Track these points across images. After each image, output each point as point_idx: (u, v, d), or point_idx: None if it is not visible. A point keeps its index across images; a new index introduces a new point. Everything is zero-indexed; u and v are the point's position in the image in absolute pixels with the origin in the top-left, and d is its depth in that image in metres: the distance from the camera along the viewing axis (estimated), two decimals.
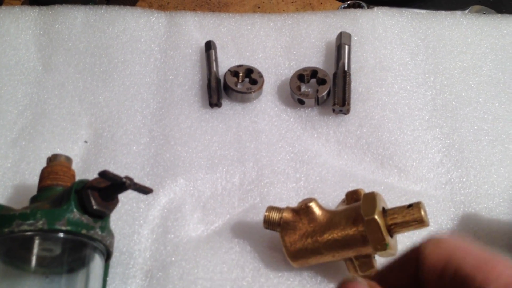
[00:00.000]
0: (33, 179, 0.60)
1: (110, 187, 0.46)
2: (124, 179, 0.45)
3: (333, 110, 0.66)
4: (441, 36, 0.74)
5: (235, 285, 0.53)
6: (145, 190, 0.47)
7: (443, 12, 0.77)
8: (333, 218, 0.52)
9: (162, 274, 0.54)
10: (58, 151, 0.62)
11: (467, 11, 0.81)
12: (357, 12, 0.76)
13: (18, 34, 0.72)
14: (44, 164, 0.54)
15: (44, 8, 0.74)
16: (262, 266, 0.55)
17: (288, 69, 0.71)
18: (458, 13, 0.77)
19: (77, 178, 0.55)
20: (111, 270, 0.54)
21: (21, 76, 0.69)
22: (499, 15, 0.78)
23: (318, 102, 0.67)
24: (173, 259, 0.55)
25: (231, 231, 0.58)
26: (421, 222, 0.48)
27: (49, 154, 0.56)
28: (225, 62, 0.71)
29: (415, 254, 0.31)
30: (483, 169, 0.62)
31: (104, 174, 0.44)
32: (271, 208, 0.54)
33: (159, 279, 0.54)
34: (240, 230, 0.58)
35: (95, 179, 0.47)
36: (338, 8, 0.82)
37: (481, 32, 0.74)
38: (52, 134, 0.64)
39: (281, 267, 0.55)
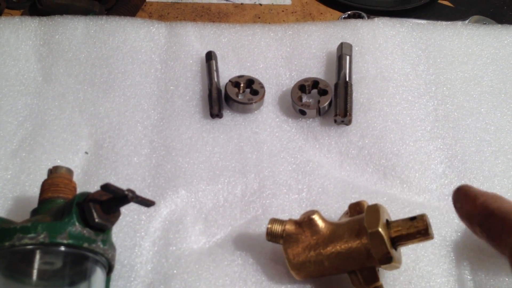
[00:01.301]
0: (33, 191, 0.59)
1: (112, 200, 0.46)
2: (126, 192, 0.44)
3: (335, 121, 0.66)
4: (442, 46, 0.74)
5: None
6: (147, 203, 0.47)
7: (444, 23, 0.77)
8: (336, 231, 0.51)
9: (164, 287, 0.53)
10: (58, 162, 0.62)
11: (467, 21, 0.81)
12: (358, 22, 0.76)
13: (18, 45, 0.71)
14: (44, 176, 0.54)
15: (44, 18, 0.74)
16: (265, 279, 0.54)
17: (289, 80, 0.71)
18: (458, 23, 0.77)
19: (78, 189, 0.54)
20: (112, 283, 0.53)
21: (21, 87, 0.68)
22: (499, 25, 0.78)
23: (320, 112, 0.67)
24: (175, 271, 0.55)
25: (233, 243, 0.57)
26: (425, 235, 0.48)
27: (50, 165, 0.55)
28: (225, 73, 0.71)
29: None
30: (486, 180, 0.62)
31: (106, 187, 0.44)
32: (273, 220, 0.54)
33: None
34: (242, 242, 0.57)
35: (97, 192, 0.47)
36: (338, 19, 0.82)
37: (482, 43, 0.74)
38: (52, 145, 0.64)
39: (284, 280, 0.54)
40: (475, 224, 0.41)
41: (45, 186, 0.51)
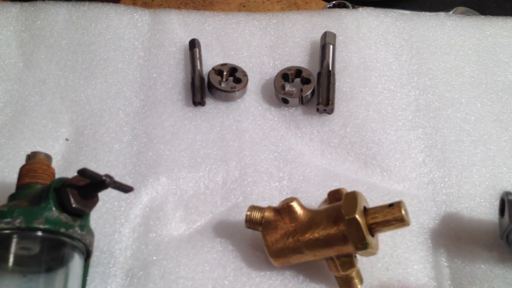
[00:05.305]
0: (12, 177, 0.59)
1: (90, 185, 0.45)
2: (103, 177, 0.44)
3: (317, 110, 0.66)
4: (425, 37, 0.74)
5: (217, 284, 0.53)
6: (125, 189, 0.47)
7: (427, 13, 0.77)
8: (315, 218, 0.51)
9: (143, 273, 0.54)
10: (38, 148, 0.61)
11: (451, 12, 0.82)
12: (342, 12, 0.76)
13: None
14: (23, 162, 0.53)
15: (25, 4, 0.73)
16: (244, 265, 0.55)
17: (273, 68, 0.71)
18: (442, 14, 0.78)
19: (58, 176, 0.54)
20: (91, 269, 0.53)
21: (1, 73, 0.68)
22: (483, 16, 0.78)
23: (302, 101, 0.67)
24: (154, 258, 0.55)
25: (214, 230, 0.57)
26: (401, 221, 0.48)
27: (29, 151, 0.55)
28: (209, 61, 0.71)
29: None
30: (465, 169, 0.63)
31: (83, 172, 0.43)
32: (253, 208, 0.54)
33: (140, 278, 0.53)
34: (223, 229, 0.57)
35: (75, 177, 0.46)
36: (323, 8, 0.82)
37: (465, 34, 0.74)
38: (32, 131, 0.63)
39: (263, 266, 0.54)
40: None
41: (23, 172, 0.51)
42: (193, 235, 0.57)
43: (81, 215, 0.47)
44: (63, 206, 0.45)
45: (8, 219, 0.44)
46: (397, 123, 0.66)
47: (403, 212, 0.48)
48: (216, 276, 0.54)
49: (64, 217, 0.46)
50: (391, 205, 0.49)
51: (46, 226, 0.44)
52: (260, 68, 0.71)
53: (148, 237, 0.56)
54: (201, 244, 0.56)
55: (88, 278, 0.52)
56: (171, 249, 0.55)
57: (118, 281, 0.53)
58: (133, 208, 0.58)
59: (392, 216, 0.48)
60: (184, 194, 0.60)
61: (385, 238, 0.56)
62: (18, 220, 0.44)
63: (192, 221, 0.59)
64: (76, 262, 0.48)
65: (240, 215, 0.58)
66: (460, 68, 0.71)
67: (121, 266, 0.54)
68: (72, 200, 0.45)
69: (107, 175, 0.45)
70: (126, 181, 0.60)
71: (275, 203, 0.57)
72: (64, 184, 0.46)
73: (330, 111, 0.66)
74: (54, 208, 0.45)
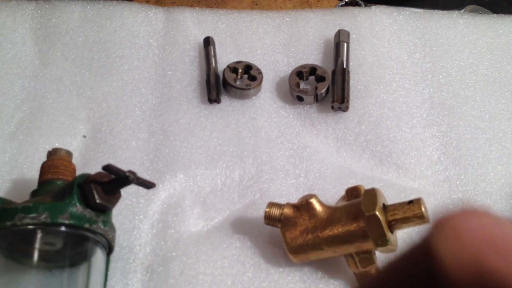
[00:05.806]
0: (31, 173, 0.60)
1: (113, 181, 0.46)
2: (127, 173, 0.45)
3: (332, 107, 0.67)
4: (438, 35, 0.74)
5: (236, 280, 0.54)
6: (148, 185, 0.47)
7: (440, 12, 0.78)
8: (334, 214, 0.52)
9: (163, 269, 0.54)
10: (56, 145, 0.61)
11: (463, 10, 0.82)
12: (355, 10, 0.77)
13: (15, 28, 0.71)
14: (42, 159, 0.54)
15: (41, 2, 0.74)
16: (263, 261, 0.55)
17: (287, 66, 0.71)
18: (454, 12, 0.78)
19: (76, 172, 0.55)
20: (111, 265, 0.53)
21: (18, 70, 0.68)
22: (495, 15, 0.79)
23: (317, 99, 0.67)
24: (173, 254, 0.55)
25: (231, 227, 0.58)
26: (421, 218, 0.48)
27: (48, 148, 0.55)
28: (223, 59, 0.71)
29: (425, 254, 0.20)
30: (480, 167, 0.63)
31: (108, 168, 0.44)
32: (271, 204, 0.54)
33: (160, 274, 0.54)
34: (240, 226, 0.58)
35: (98, 173, 0.47)
36: (335, 6, 0.82)
37: (478, 32, 0.75)
38: (50, 128, 0.64)
39: (281, 263, 0.55)
40: None
41: (45, 168, 0.51)
42: (211, 231, 0.58)
43: (104, 210, 0.47)
44: (87, 202, 0.46)
45: (34, 215, 0.44)
46: (412, 121, 0.66)
47: (423, 209, 0.48)
48: (235, 272, 0.54)
49: (88, 212, 0.46)
50: (410, 202, 0.49)
51: (71, 222, 0.45)
52: (274, 66, 0.71)
53: (167, 233, 0.57)
54: (220, 241, 0.56)
55: (108, 273, 0.53)
56: (190, 245, 0.56)
57: (138, 276, 0.54)
58: (151, 204, 0.59)
59: (412, 213, 0.48)
60: (201, 190, 0.61)
61: (402, 236, 0.56)
62: (44, 216, 0.44)
63: (210, 218, 0.59)
64: (99, 257, 0.48)
65: (258, 212, 0.59)
66: (473, 66, 0.72)
67: (141, 262, 0.55)
68: (96, 195, 0.46)
69: (130, 171, 0.45)
70: (144, 177, 0.60)
71: (292, 200, 0.57)
72: (87, 180, 0.46)
73: (345, 109, 0.67)
74: (78, 204, 0.46)
